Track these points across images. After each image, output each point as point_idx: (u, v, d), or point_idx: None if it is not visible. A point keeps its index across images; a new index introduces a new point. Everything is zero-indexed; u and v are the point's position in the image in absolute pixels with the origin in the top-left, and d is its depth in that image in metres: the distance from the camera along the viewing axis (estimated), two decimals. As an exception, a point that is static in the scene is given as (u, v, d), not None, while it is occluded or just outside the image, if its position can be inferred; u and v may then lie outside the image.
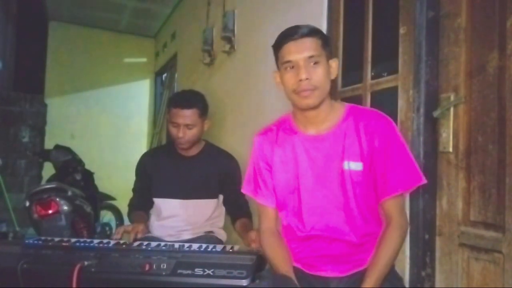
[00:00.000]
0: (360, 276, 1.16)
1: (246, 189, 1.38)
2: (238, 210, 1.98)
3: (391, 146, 1.18)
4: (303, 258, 1.27)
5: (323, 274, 1.23)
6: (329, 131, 1.24)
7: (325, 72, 1.19)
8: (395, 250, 1.15)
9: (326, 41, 1.21)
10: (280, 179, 1.29)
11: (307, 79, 1.16)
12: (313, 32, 1.20)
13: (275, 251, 1.25)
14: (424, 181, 1.20)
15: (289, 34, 1.19)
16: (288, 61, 1.19)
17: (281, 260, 1.22)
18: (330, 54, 1.23)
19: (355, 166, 1.20)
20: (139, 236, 1.74)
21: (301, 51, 1.17)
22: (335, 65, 1.23)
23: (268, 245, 1.28)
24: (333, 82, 1.94)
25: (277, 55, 1.24)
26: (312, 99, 1.18)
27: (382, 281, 1.11)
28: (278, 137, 1.30)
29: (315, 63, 1.17)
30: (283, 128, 1.31)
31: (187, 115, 1.86)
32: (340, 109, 1.27)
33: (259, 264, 1.36)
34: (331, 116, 1.25)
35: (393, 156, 1.18)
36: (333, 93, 1.95)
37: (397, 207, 1.19)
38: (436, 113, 1.44)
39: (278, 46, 1.22)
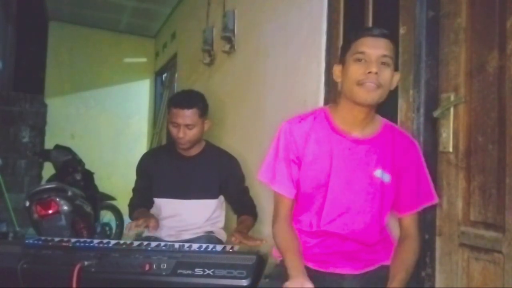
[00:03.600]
0: (373, 275, 1.21)
1: (263, 176, 1.32)
2: (243, 208, 1.99)
3: (418, 167, 1.27)
4: (315, 254, 1.27)
5: (337, 270, 1.25)
6: (369, 137, 1.27)
7: (391, 76, 1.20)
8: (414, 260, 1.23)
9: (396, 51, 1.24)
10: (309, 173, 1.26)
11: (376, 73, 1.15)
12: (392, 37, 1.22)
13: (289, 241, 1.23)
14: (437, 200, 1.31)
15: (370, 29, 1.23)
16: (362, 52, 1.17)
17: (294, 251, 1.20)
18: (395, 66, 1.24)
19: (385, 176, 1.25)
20: (152, 230, 1.75)
21: (377, 47, 1.17)
22: (397, 77, 1.25)
23: (282, 234, 1.25)
24: (336, 83, 1.95)
25: (350, 46, 1.22)
26: (373, 95, 1.17)
27: (405, 284, 1.16)
28: (313, 130, 1.27)
29: (386, 63, 1.17)
30: (320, 122, 1.28)
31: (187, 115, 1.86)
32: (379, 121, 1.31)
33: (259, 264, 1.36)
34: (373, 124, 1.29)
35: (418, 177, 1.27)
36: (334, 93, 1.95)
37: (416, 223, 1.29)
38: (436, 113, 1.44)
39: (355, 37, 1.21)
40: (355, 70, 1.18)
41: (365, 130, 1.26)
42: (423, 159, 1.29)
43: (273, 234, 1.30)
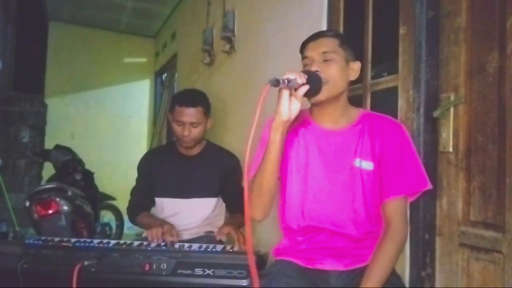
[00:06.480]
0: (360, 272, 1.17)
1: (251, 175, 1.30)
2: (237, 207, 1.99)
3: (401, 150, 1.23)
4: (302, 251, 1.27)
5: (322, 267, 1.24)
6: (344, 128, 1.27)
7: (339, 69, 1.22)
8: (392, 258, 1.15)
9: (345, 42, 1.26)
10: (288, 167, 1.30)
11: (317, 71, 1.18)
12: (332, 33, 1.29)
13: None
14: (429, 186, 1.24)
15: (311, 37, 1.28)
16: (305, 57, 1.26)
17: None
18: (352, 56, 1.27)
19: (366, 165, 1.23)
20: (172, 239, 1.69)
21: (316, 47, 1.24)
22: (356, 67, 1.27)
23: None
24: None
25: (302, 56, 1.29)
26: (320, 93, 1.19)
27: (383, 281, 1.11)
28: (291, 125, 1.26)
29: (329, 59, 1.21)
30: (298, 118, 1.27)
31: (192, 113, 1.87)
32: (356, 111, 1.31)
33: (259, 264, 1.36)
34: (347, 115, 1.29)
35: (401, 160, 1.22)
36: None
37: (398, 211, 1.20)
38: (436, 113, 1.44)
39: (301, 48, 1.29)
40: None
41: (339, 122, 1.28)
42: (409, 143, 1.24)
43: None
